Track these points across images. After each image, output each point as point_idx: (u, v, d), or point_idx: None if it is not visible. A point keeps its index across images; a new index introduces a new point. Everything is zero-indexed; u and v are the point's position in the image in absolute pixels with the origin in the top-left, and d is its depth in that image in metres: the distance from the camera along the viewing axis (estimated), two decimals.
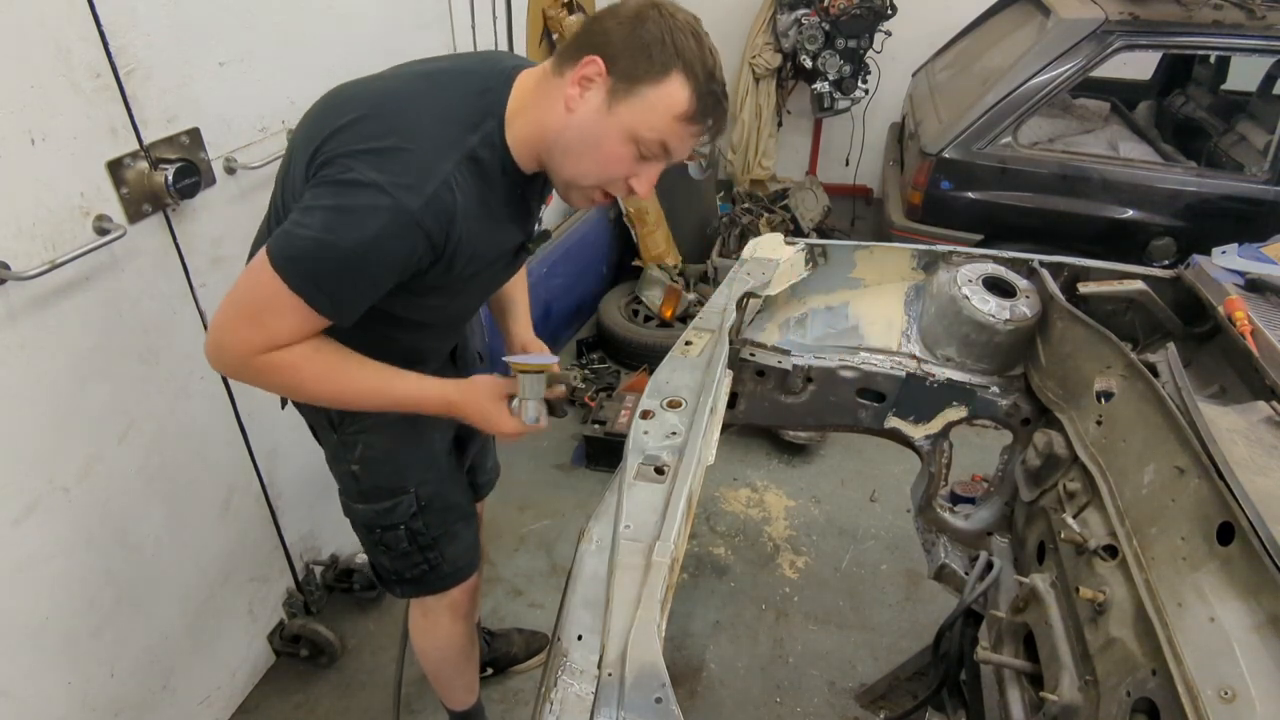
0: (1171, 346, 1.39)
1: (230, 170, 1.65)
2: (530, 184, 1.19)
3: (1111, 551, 1.17)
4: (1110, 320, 1.58)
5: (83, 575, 1.49)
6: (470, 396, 1.23)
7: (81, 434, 1.44)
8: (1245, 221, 2.78)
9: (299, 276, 1.01)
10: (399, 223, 1.00)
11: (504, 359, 1.30)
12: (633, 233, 3.59)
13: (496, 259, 1.22)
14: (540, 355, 1.34)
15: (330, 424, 1.34)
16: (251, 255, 1.32)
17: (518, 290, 1.54)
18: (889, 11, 4.01)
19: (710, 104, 1.06)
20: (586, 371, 3.28)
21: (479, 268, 1.17)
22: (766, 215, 4.21)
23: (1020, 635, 1.34)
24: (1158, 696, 0.95)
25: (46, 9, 1.24)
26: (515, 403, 1.25)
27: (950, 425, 1.65)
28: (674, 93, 1.03)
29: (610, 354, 3.39)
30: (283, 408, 1.44)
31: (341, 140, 1.04)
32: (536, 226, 1.31)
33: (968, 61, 3.52)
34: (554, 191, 1.33)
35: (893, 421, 1.68)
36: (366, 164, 1.00)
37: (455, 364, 1.54)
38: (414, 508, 1.40)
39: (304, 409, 1.40)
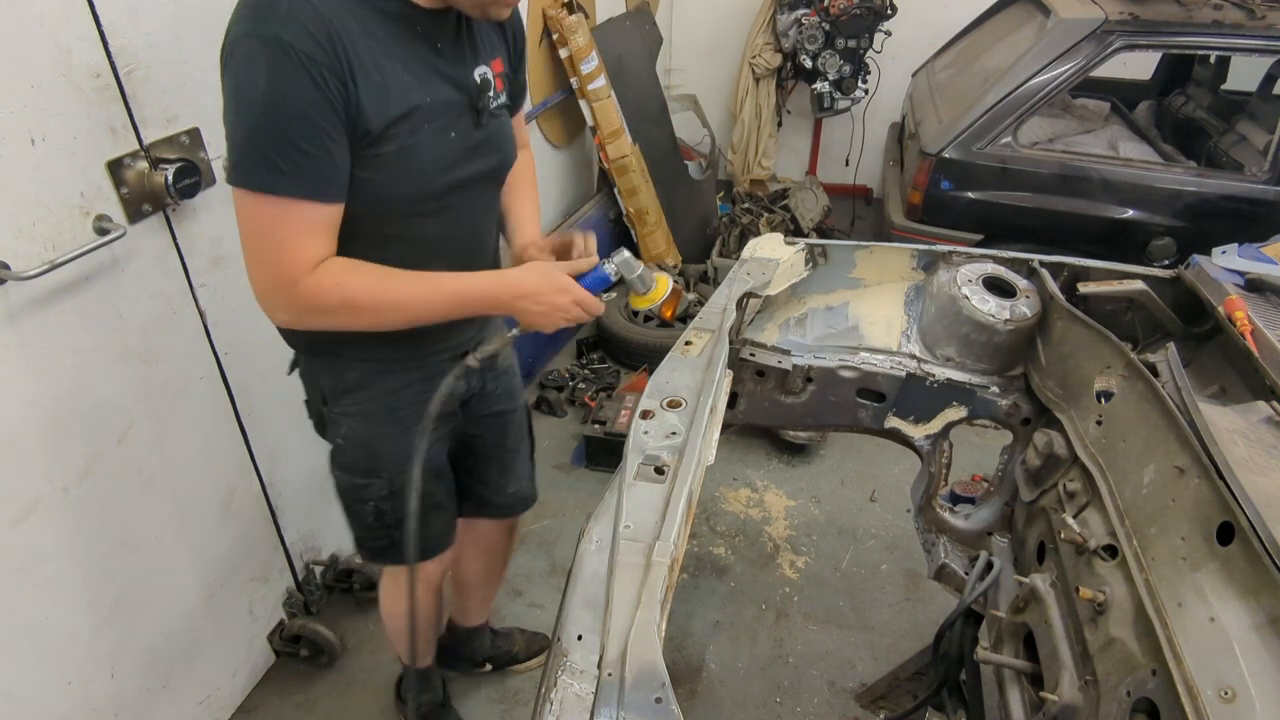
0: (1171, 346, 1.39)
1: None
2: (434, 22, 1.11)
3: (1111, 551, 1.17)
4: (1110, 320, 1.58)
5: (83, 575, 1.49)
6: (535, 274, 1.18)
7: (81, 434, 1.44)
8: (1245, 221, 2.78)
9: (251, 172, 1.01)
10: (274, 55, 0.96)
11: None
12: (633, 233, 3.59)
13: (434, 113, 1.12)
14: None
15: (322, 397, 1.37)
16: None
17: (518, 192, 1.42)
18: (889, 11, 4.01)
19: None
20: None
21: (418, 120, 1.10)
22: (766, 215, 4.21)
23: (1020, 635, 1.34)
24: (1158, 696, 0.95)
25: (46, 9, 1.24)
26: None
27: (950, 425, 1.65)
28: None
29: (610, 354, 3.39)
30: (289, 372, 1.42)
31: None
32: (482, 83, 1.20)
33: (968, 61, 3.52)
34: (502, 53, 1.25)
35: (893, 421, 1.68)
36: (233, 31, 1.00)
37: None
38: (385, 491, 1.41)
39: (304, 374, 1.38)
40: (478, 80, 1.20)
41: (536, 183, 1.51)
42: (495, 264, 1.39)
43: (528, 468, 1.75)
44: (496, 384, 1.55)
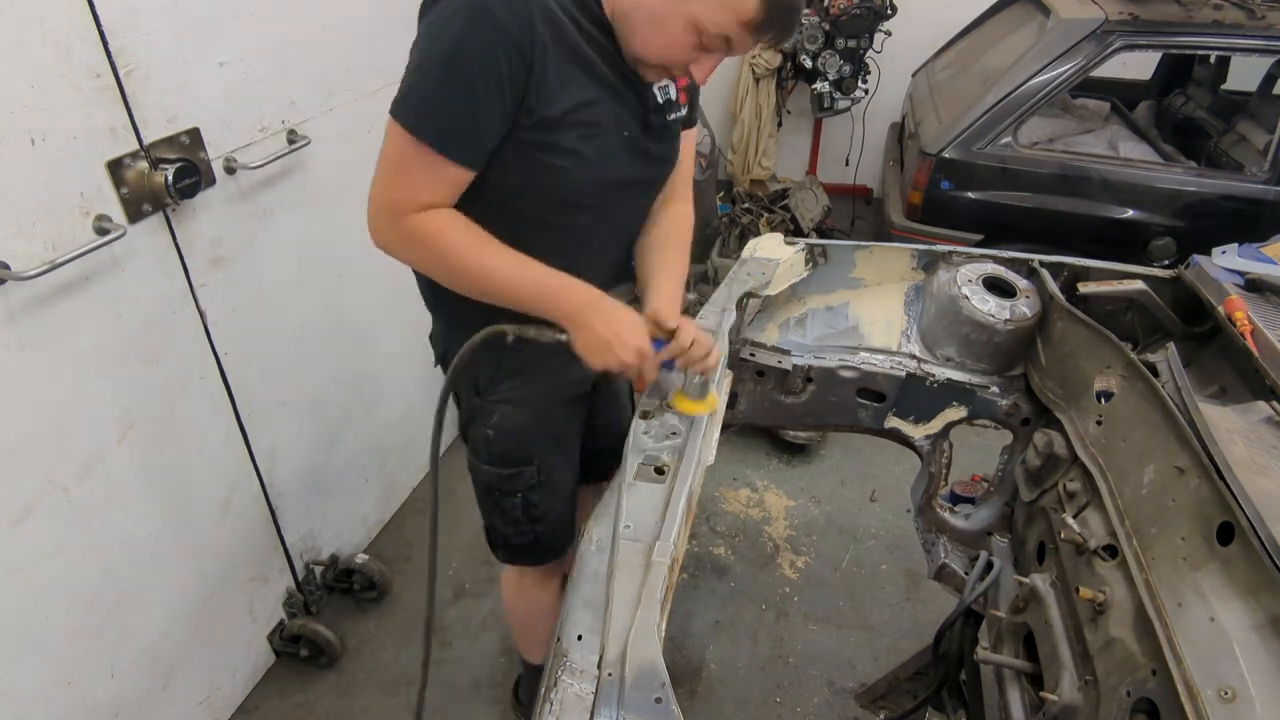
0: (1171, 346, 1.39)
1: (230, 170, 1.65)
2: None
3: (1111, 551, 1.17)
4: (1110, 320, 1.58)
5: (83, 575, 1.49)
6: (610, 305, 1.17)
7: (81, 434, 1.44)
8: (1245, 221, 2.78)
9: (410, 113, 1.06)
10: (473, 16, 1.02)
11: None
12: None
13: (612, 112, 1.16)
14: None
15: (475, 389, 1.38)
16: None
17: (664, 252, 1.36)
18: (889, 11, 4.01)
19: (777, 15, 1.05)
20: None
21: (595, 115, 1.13)
22: (766, 215, 4.21)
23: (1020, 635, 1.34)
24: (1158, 696, 0.95)
25: (46, 9, 1.24)
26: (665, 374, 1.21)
27: (950, 425, 1.65)
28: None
29: None
30: (435, 365, 1.45)
31: None
32: (665, 103, 1.23)
33: (968, 61, 3.52)
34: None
35: (893, 421, 1.68)
36: None
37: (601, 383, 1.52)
38: (534, 480, 1.45)
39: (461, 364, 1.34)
40: (659, 96, 1.23)
41: (688, 245, 1.39)
42: (629, 269, 1.38)
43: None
44: (619, 392, 1.61)
